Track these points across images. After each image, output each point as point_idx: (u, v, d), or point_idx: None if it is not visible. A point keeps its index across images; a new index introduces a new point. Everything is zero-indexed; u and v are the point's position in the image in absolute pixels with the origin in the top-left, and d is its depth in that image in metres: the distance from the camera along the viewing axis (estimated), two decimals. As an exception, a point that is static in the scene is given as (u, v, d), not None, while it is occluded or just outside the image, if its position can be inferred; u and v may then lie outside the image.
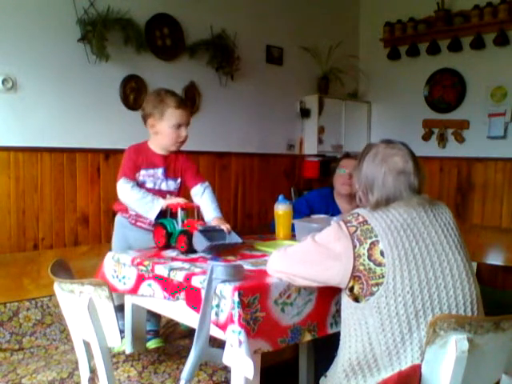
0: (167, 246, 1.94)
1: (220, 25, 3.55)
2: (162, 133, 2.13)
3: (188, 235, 1.86)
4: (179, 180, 2.22)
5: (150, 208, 2.02)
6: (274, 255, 1.59)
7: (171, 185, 2.19)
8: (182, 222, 1.94)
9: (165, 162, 2.17)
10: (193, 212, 2.01)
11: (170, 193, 2.17)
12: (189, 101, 3.47)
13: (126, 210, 2.18)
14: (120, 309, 1.91)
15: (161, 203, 2.02)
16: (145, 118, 2.16)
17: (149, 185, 2.14)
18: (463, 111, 4.02)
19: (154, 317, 2.23)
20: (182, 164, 2.22)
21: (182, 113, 2.12)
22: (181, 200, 2.02)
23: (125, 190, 2.08)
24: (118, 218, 2.25)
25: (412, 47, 4.24)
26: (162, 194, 2.14)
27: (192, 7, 3.45)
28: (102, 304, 1.44)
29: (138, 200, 2.06)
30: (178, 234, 1.91)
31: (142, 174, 2.13)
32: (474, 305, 1.41)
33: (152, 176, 2.14)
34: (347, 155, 2.83)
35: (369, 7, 4.60)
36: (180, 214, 1.95)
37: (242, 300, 1.40)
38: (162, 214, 2.02)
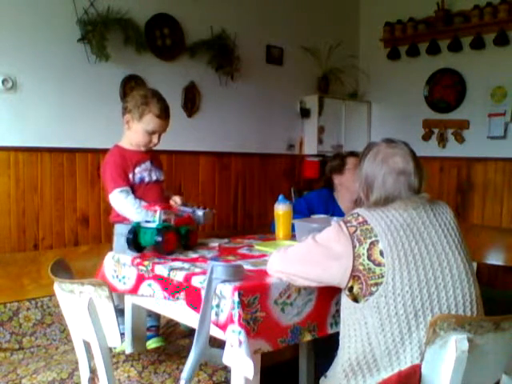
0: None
1: (220, 25, 3.55)
2: (135, 132, 2.14)
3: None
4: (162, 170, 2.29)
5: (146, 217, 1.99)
6: (274, 255, 1.59)
7: (161, 175, 2.25)
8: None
9: (148, 154, 2.21)
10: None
11: (163, 182, 2.24)
12: (189, 101, 3.47)
13: (125, 218, 2.13)
14: (120, 314, 1.91)
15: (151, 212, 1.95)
16: (124, 111, 2.15)
17: (147, 178, 2.17)
18: (463, 111, 4.02)
19: (155, 312, 2.21)
20: (159, 159, 2.31)
21: (160, 122, 2.12)
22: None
23: (120, 201, 2.07)
24: (120, 228, 2.16)
25: (412, 47, 4.24)
26: (159, 184, 2.21)
27: (192, 7, 3.45)
28: (102, 304, 1.44)
29: (135, 210, 2.05)
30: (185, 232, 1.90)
31: (139, 171, 2.15)
32: (474, 305, 1.41)
33: (147, 169, 2.17)
34: (352, 153, 2.82)
35: (369, 7, 4.60)
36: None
37: (242, 300, 1.40)
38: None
